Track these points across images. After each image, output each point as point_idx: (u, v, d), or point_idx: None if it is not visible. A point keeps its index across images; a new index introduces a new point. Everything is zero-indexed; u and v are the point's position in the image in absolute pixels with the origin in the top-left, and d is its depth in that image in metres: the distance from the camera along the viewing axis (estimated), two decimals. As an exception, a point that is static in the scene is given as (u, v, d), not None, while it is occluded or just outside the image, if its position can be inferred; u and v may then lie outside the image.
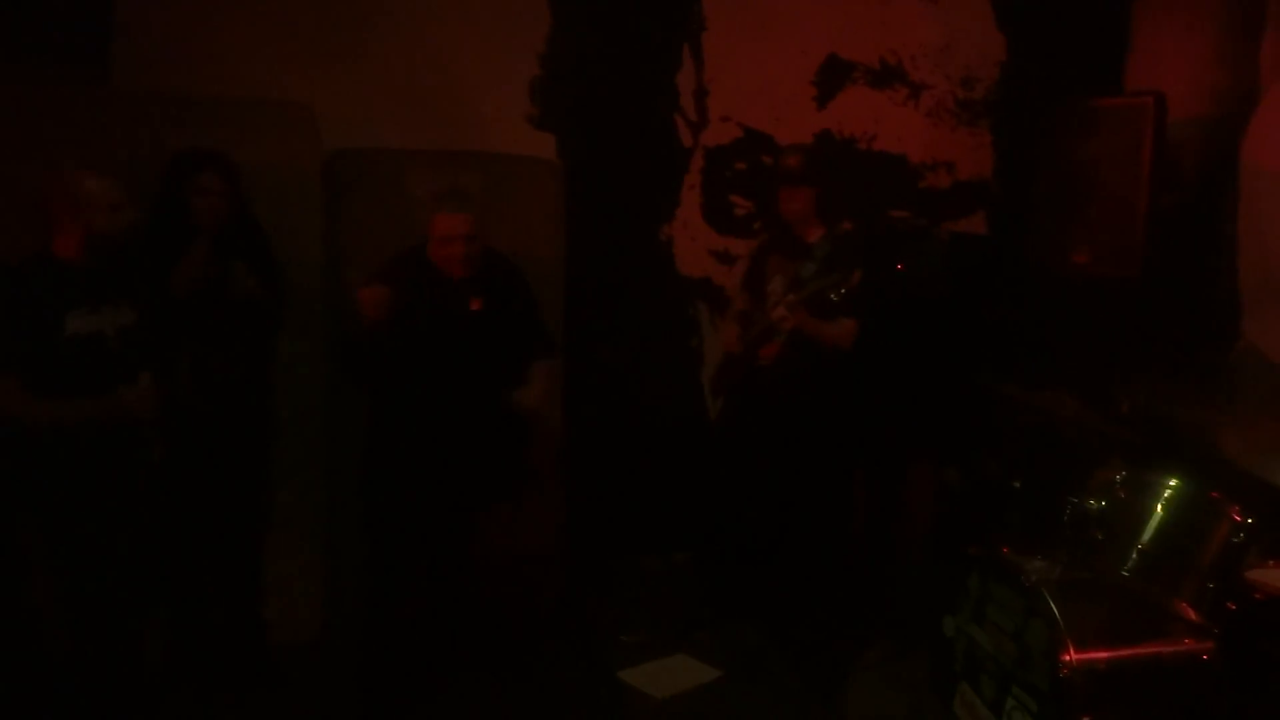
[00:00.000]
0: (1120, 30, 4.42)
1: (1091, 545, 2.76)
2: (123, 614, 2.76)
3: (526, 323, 3.39)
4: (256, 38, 3.76)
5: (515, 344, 3.32)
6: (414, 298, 3.14)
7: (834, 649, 3.54)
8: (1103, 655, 2.54)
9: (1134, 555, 2.65)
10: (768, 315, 3.68)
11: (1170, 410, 3.28)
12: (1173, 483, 2.69)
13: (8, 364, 2.49)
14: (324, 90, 3.78)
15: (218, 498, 3.24)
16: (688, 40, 4.34)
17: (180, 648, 3.30)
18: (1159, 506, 2.68)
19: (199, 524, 3.21)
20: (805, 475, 3.75)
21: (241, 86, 3.68)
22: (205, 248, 3.07)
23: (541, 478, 3.61)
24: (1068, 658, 2.52)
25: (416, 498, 3.20)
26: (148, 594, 2.94)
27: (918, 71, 4.45)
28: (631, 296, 4.36)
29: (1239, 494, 2.64)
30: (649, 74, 4.31)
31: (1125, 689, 2.56)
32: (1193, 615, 2.60)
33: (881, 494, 3.99)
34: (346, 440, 3.74)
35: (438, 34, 4.01)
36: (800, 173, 3.73)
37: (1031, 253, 4.05)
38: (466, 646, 3.39)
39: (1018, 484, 3.17)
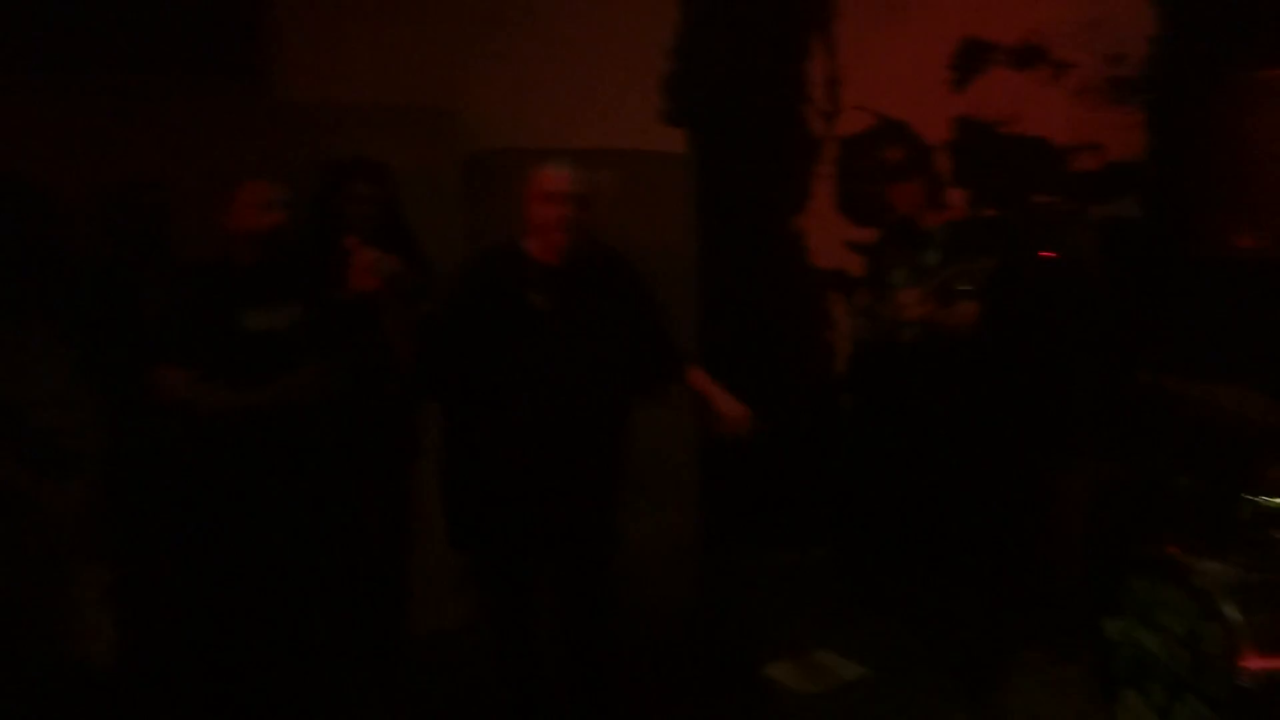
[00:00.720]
0: (1285, -4, 4.15)
1: (1273, 546, 2.60)
2: (291, 602, 2.88)
3: (656, 340, 2.80)
4: (401, 46, 3.89)
5: (642, 361, 2.75)
6: (490, 296, 2.62)
7: (988, 649, 3.44)
8: (1289, 663, 2.40)
9: (1323, 558, 2.48)
10: (893, 308, 3.61)
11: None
12: (1367, 480, 2.51)
13: (189, 356, 2.64)
14: (463, 94, 3.89)
15: (369, 490, 3.36)
16: (818, 29, 4.28)
17: (325, 637, 3.42)
18: (1352, 506, 2.50)
19: (352, 515, 3.33)
20: (949, 469, 3.66)
21: (387, 93, 3.81)
22: (372, 255, 3.17)
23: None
24: (1248, 665, 2.38)
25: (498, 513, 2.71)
26: (310, 583, 3.05)
27: (1063, 49, 4.27)
28: (763, 290, 4.33)
29: None
30: (779, 65, 4.28)
31: (1315, 700, 2.41)
32: (1391, 623, 2.42)
33: (1033, 490, 3.84)
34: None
35: (570, 33, 4.06)
36: (903, 166, 3.66)
37: (1191, 237, 3.83)
38: (609, 642, 3.42)
39: (1186, 481, 3.01)
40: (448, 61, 3.91)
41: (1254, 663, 2.38)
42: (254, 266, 2.78)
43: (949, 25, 4.28)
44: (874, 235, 4.33)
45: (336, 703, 3.16)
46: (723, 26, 4.20)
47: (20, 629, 2.39)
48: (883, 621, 3.69)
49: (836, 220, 4.37)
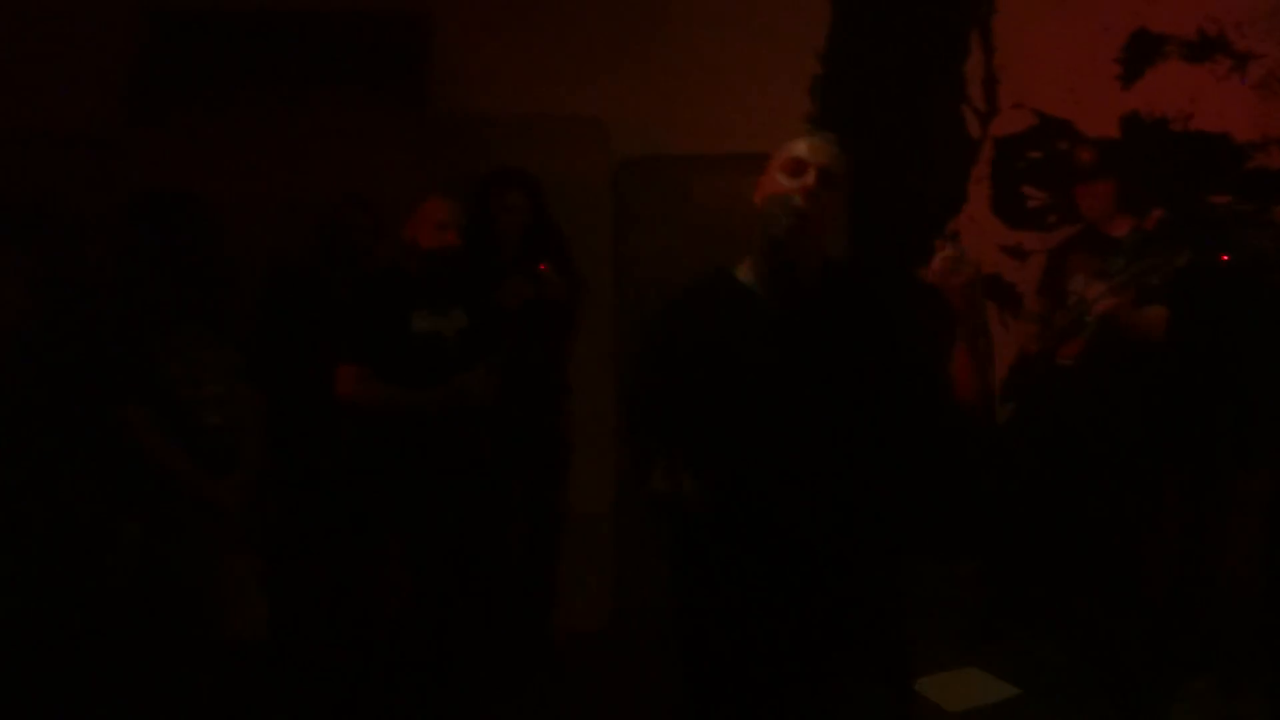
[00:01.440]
0: None
1: None
2: (458, 601, 3.00)
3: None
4: (552, 57, 4.01)
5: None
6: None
7: (1149, 674, 3.26)
8: None
9: None
10: (1078, 307, 3.45)
11: None
12: None
13: (364, 355, 2.82)
14: (613, 102, 3.97)
15: (523, 489, 3.47)
16: (976, 25, 4.16)
17: (474, 637, 3.54)
18: None
19: (506, 515, 3.45)
20: (1112, 482, 3.48)
21: (539, 104, 3.93)
22: (529, 273, 3.30)
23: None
24: None
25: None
26: (472, 582, 3.17)
27: (1244, 40, 4.01)
28: (916, 296, 4.22)
29: None
30: (934, 64, 4.18)
31: None
32: None
33: (1203, 505, 3.61)
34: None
35: (718, 38, 4.09)
36: (1096, 167, 3.50)
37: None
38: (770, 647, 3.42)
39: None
40: (597, 70, 4.01)
41: None
42: (424, 275, 2.94)
43: (1116, 17, 4.09)
44: (1034, 239, 4.18)
45: (480, 701, 3.24)
46: (875, 26, 4.13)
47: (185, 606, 2.57)
48: (1035, 640, 3.54)
49: (991, 223, 4.23)
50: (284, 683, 2.99)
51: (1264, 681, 2.83)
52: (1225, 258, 3.58)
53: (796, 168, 1.95)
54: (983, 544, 4.07)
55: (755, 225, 1.96)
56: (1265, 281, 3.51)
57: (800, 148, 1.98)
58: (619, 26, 4.05)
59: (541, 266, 3.30)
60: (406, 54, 3.98)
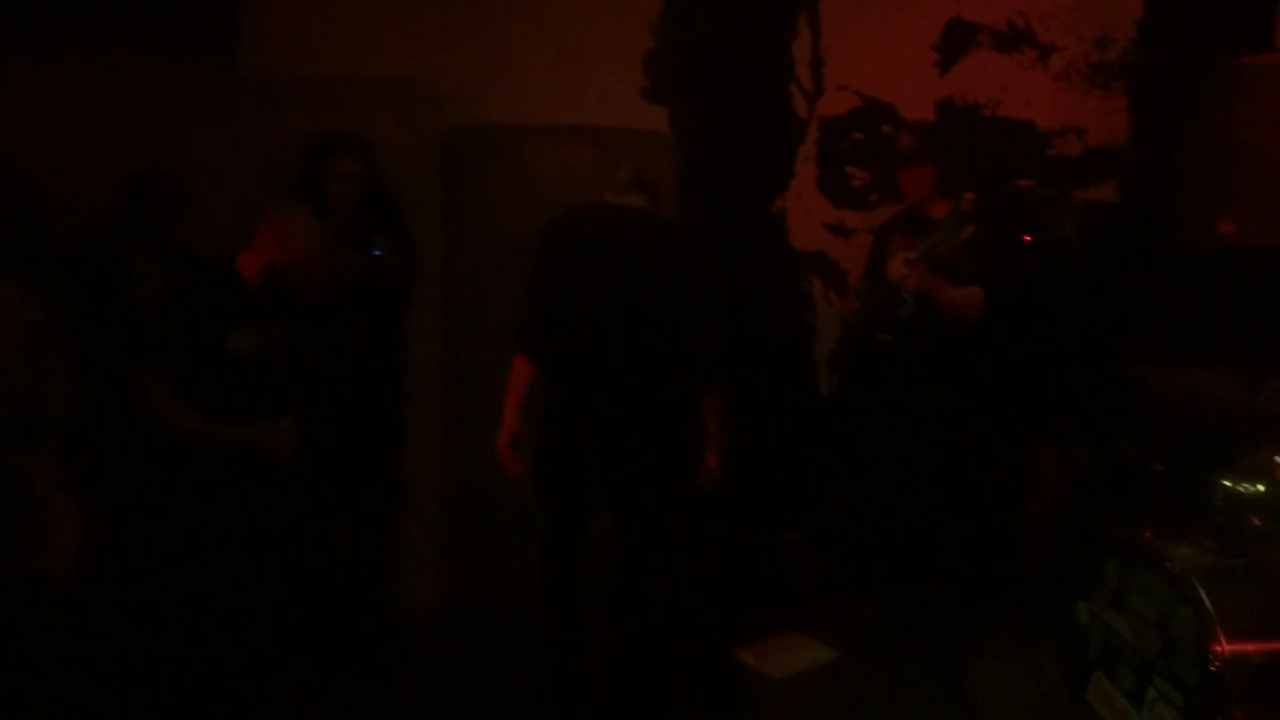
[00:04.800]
0: (1270, -17, 4.13)
1: (1247, 532, 2.60)
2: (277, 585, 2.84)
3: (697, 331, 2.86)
4: (376, 18, 3.82)
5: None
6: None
7: (958, 632, 3.45)
8: (1259, 648, 2.40)
9: (1295, 543, 2.48)
10: (889, 283, 3.59)
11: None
12: (1340, 466, 2.51)
13: (169, 369, 2.56)
14: (442, 68, 3.83)
15: (354, 470, 3.34)
16: (804, 8, 4.23)
17: (304, 619, 3.40)
18: (1324, 491, 2.50)
19: (336, 498, 3.31)
20: (926, 453, 3.65)
21: (362, 67, 3.74)
22: (363, 247, 3.13)
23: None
24: (1219, 649, 2.38)
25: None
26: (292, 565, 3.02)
27: (1048, 33, 4.23)
28: (744, 271, 4.29)
29: None
30: (764, 43, 4.23)
31: (1282, 683, 2.41)
32: (1360, 608, 2.43)
33: (1007, 475, 3.85)
34: (462, 412, 3.82)
35: (552, 7, 4.01)
36: (917, 153, 3.63)
37: (1172, 223, 3.82)
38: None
39: (1159, 467, 3.01)
40: (425, 33, 3.85)
41: (1225, 647, 2.38)
42: (255, 286, 2.66)
43: (935, 5, 4.24)
44: (857, 218, 4.31)
45: (319, 681, 3.15)
46: (709, 4, 4.15)
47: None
48: (856, 605, 3.68)
49: (818, 201, 4.33)
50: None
51: (1055, 631, 3.03)
52: (1029, 239, 3.80)
53: None
54: (809, 513, 4.21)
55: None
56: (1063, 261, 3.75)
57: None
58: (446, -12, 3.91)
59: (375, 239, 3.17)
60: (214, 7, 3.70)
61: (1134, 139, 4.22)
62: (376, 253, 3.16)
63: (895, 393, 3.65)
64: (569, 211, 2.94)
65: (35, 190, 3.18)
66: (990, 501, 3.74)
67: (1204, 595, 2.45)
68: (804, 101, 4.28)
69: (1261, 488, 2.61)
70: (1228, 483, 2.66)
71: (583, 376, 2.81)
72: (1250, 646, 2.40)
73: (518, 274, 3.78)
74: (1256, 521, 2.59)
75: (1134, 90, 4.24)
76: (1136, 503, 3.12)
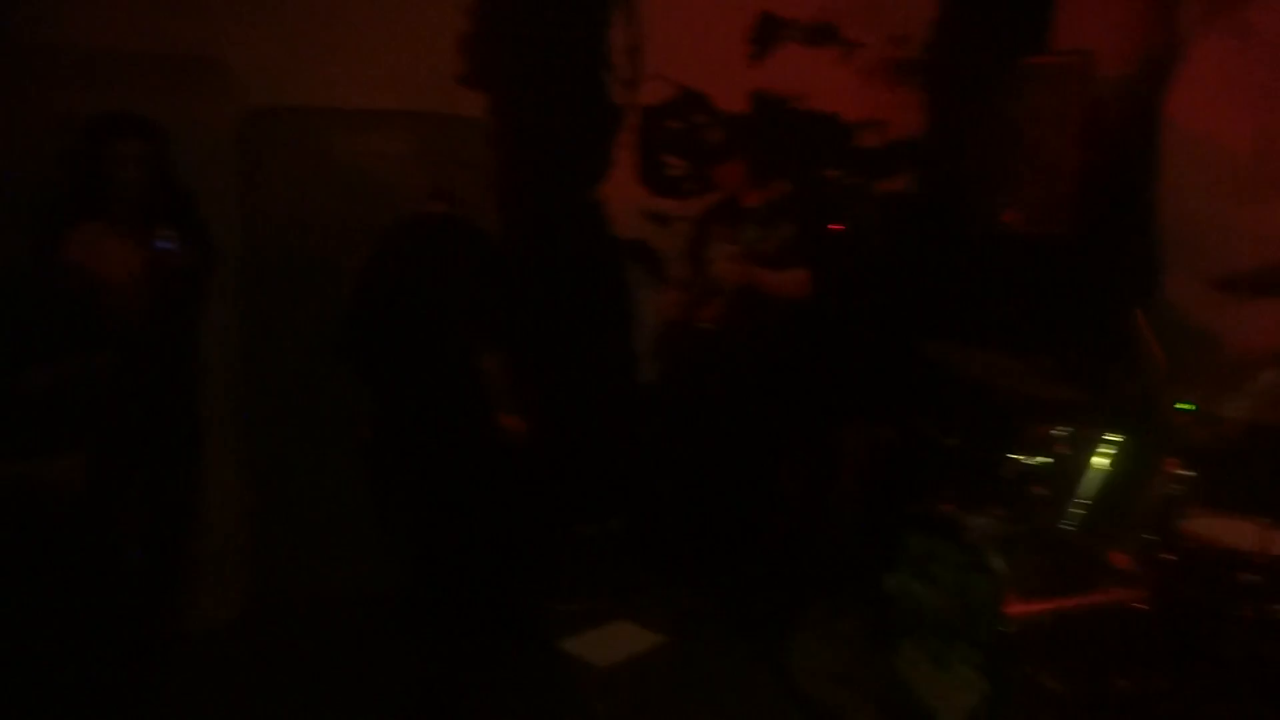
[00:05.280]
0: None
1: (1032, 501, 2.80)
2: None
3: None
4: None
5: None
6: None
7: (774, 609, 3.56)
8: (1044, 607, 2.60)
9: (1074, 509, 2.70)
10: (709, 276, 3.65)
11: (1103, 366, 3.34)
12: (1110, 438, 2.74)
13: None
14: (240, 45, 3.58)
15: (149, 474, 3.10)
16: (621, -7, 4.23)
17: (92, 634, 3.15)
18: (1097, 461, 2.73)
19: (128, 502, 3.06)
20: (743, 437, 3.75)
21: (146, 40, 3.46)
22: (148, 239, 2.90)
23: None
24: (1011, 611, 2.56)
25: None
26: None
27: (851, 29, 4.40)
28: (564, 260, 4.27)
29: (1174, 446, 2.71)
30: (582, 30, 4.19)
31: (1067, 638, 2.61)
32: (1130, 566, 2.66)
33: (817, 454, 4.00)
34: (265, 416, 3.63)
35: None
36: (729, 146, 3.71)
37: (964, 212, 4.07)
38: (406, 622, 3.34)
39: (955, 442, 3.21)
40: (221, 7, 3.59)
41: (1016, 609, 2.56)
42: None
43: (748, -1, 4.33)
44: (675, 206, 4.36)
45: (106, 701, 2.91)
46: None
47: None
48: (680, 589, 3.74)
49: (637, 190, 4.35)
50: None
51: (864, 602, 3.18)
52: (837, 228, 3.95)
53: None
54: (631, 500, 4.24)
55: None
56: (866, 248, 3.93)
57: None
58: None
59: (163, 231, 2.93)
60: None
61: (930, 133, 4.46)
62: (163, 245, 2.93)
63: (715, 379, 3.73)
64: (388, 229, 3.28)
65: None
66: (804, 480, 3.88)
67: (997, 562, 2.63)
68: (621, 89, 4.28)
69: (1044, 460, 2.83)
70: (1015, 456, 2.86)
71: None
72: (1037, 606, 2.59)
73: (327, 268, 3.64)
74: (1040, 492, 2.80)
75: (929, 86, 4.48)
76: (936, 477, 3.31)
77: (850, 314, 3.91)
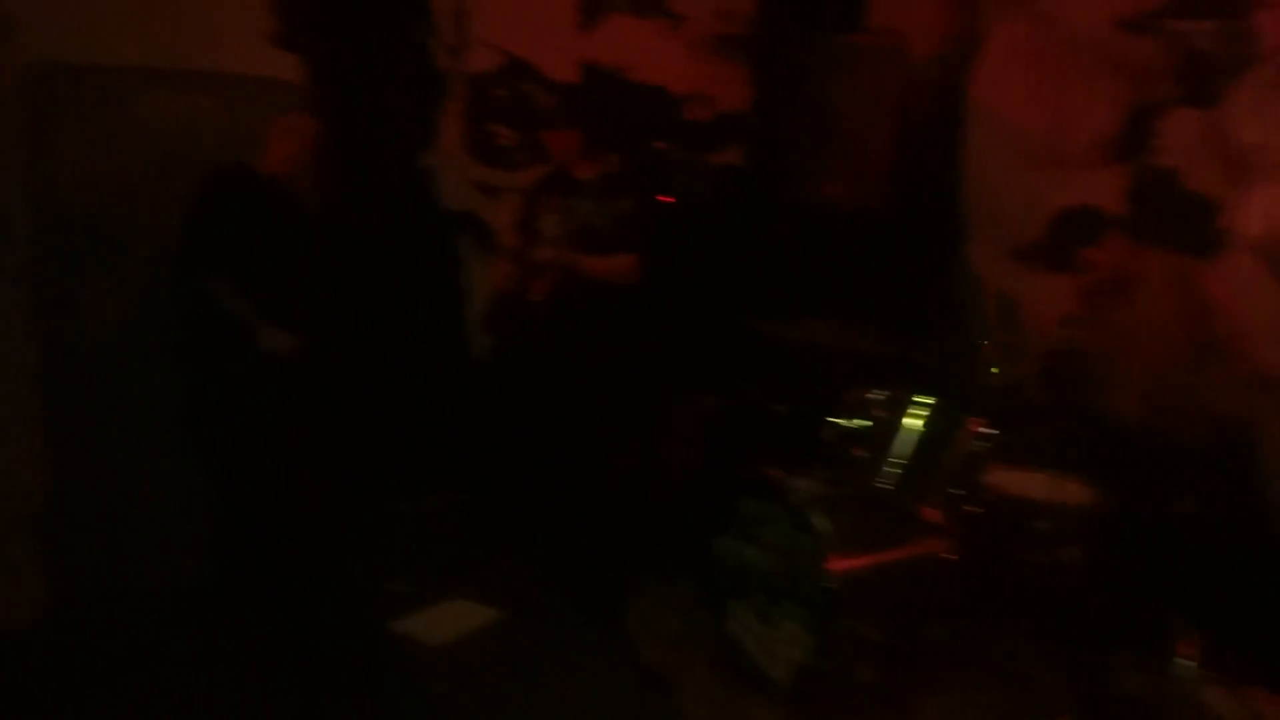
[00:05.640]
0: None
1: (851, 462, 2.94)
2: None
3: None
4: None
5: None
6: None
7: (610, 578, 3.60)
8: (863, 562, 2.73)
9: (889, 468, 2.84)
10: (538, 254, 3.62)
11: (914, 332, 3.53)
12: (922, 400, 2.89)
13: None
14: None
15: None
16: (445, -43, 4.10)
17: None
18: (910, 422, 2.88)
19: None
20: (576, 409, 3.75)
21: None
22: None
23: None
24: (832, 567, 2.68)
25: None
26: None
27: (678, 2, 4.44)
28: (390, 232, 4.13)
29: (979, 406, 2.89)
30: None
31: (884, 590, 2.76)
32: (939, 519, 2.84)
33: (653, 422, 4.06)
34: (64, 405, 3.36)
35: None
36: (562, 114, 3.68)
37: (786, 185, 4.19)
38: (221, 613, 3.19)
39: (781, 409, 3.31)
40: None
41: (838, 565, 2.68)
42: None
43: (575, -35, 4.29)
44: (505, 178, 4.29)
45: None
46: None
47: None
48: (516, 563, 3.72)
49: (465, 160, 4.26)
50: None
51: (698, 566, 3.26)
52: (667, 199, 3.99)
53: None
54: (463, 475, 4.18)
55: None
56: (692, 224, 3.99)
57: None
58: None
59: None
60: None
61: (755, 107, 4.56)
62: None
63: (546, 352, 3.71)
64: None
65: None
66: (636, 449, 3.93)
67: (819, 521, 2.74)
68: (447, 56, 4.17)
69: (863, 423, 2.96)
70: (836, 420, 2.99)
71: None
72: (857, 562, 2.73)
73: (131, 238, 3.39)
74: (859, 453, 2.93)
75: (753, 62, 4.57)
76: (764, 443, 3.41)
77: (679, 285, 3.98)
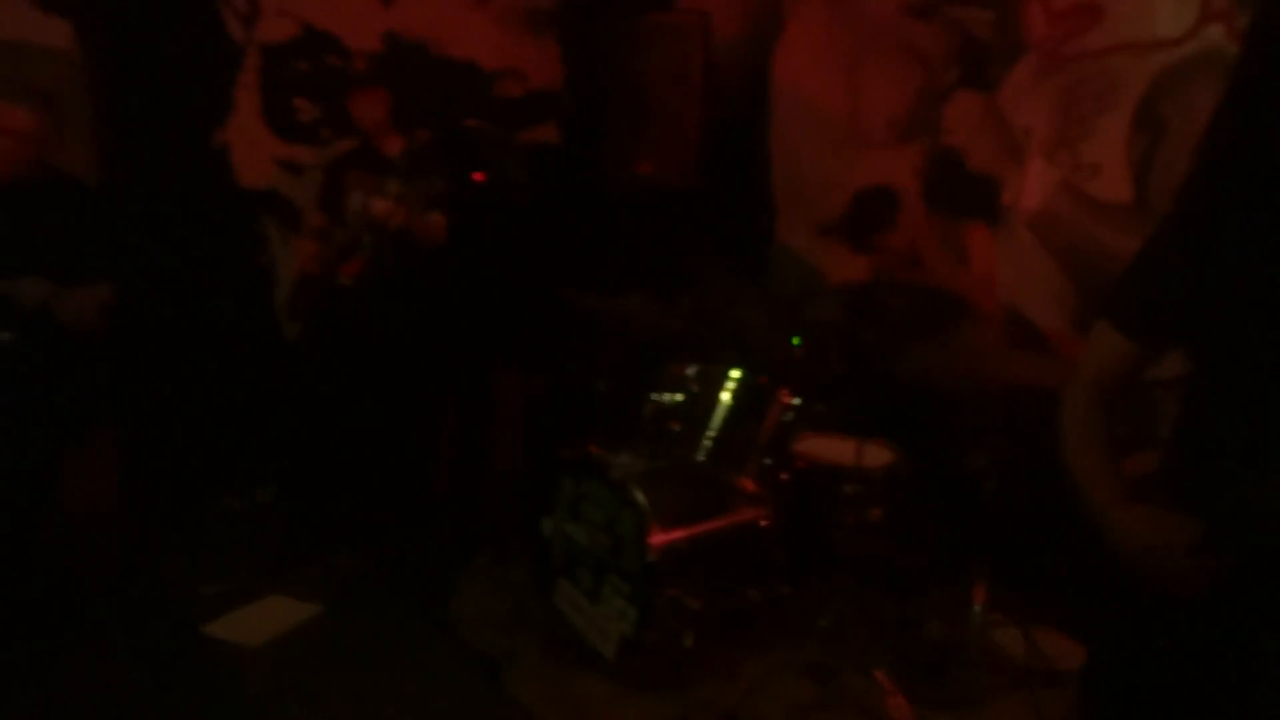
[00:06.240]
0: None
1: (669, 436, 2.99)
2: None
3: None
4: None
5: None
6: None
7: (435, 564, 3.54)
8: (683, 534, 2.80)
9: (705, 441, 2.91)
10: (356, 225, 3.49)
11: (727, 306, 3.63)
12: (733, 373, 2.98)
13: None
14: None
15: None
16: (225, -83, 3.85)
17: None
18: (723, 395, 2.96)
19: None
20: (395, 392, 3.66)
21: None
22: None
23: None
24: (654, 540, 2.73)
25: None
26: None
27: (485, -26, 4.36)
28: (185, 212, 3.87)
29: (787, 377, 3.01)
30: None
31: (704, 560, 2.84)
32: (754, 488, 2.94)
33: (473, 405, 4.01)
34: None
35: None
36: (372, 74, 3.54)
37: (600, 163, 4.21)
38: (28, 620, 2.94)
39: (602, 385, 3.34)
40: None
41: (658, 538, 2.74)
42: None
43: (371, -65, 4.12)
44: (308, 154, 4.10)
45: None
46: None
47: None
48: (337, 556, 3.60)
49: (265, 135, 4.04)
50: None
51: (524, 547, 3.25)
52: (480, 177, 3.92)
53: None
54: (278, 467, 4.00)
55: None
56: (508, 202, 3.95)
57: None
58: None
59: None
60: None
61: (568, 84, 4.54)
62: None
63: (358, 336, 3.59)
64: None
65: None
66: (461, 433, 3.87)
67: (639, 496, 2.78)
68: (239, 24, 3.92)
69: (679, 397, 3.03)
70: (654, 396, 3.04)
71: None
72: (677, 534, 2.79)
73: None
74: (676, 427, 3.00)
75: (564, 38, 4.55)
76: (587, 420, 3.43)
77: (496, 265, 3.93)
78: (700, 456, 2.89)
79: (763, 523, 2.96)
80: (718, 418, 2.92)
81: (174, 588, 3.36)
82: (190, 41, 3.79)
